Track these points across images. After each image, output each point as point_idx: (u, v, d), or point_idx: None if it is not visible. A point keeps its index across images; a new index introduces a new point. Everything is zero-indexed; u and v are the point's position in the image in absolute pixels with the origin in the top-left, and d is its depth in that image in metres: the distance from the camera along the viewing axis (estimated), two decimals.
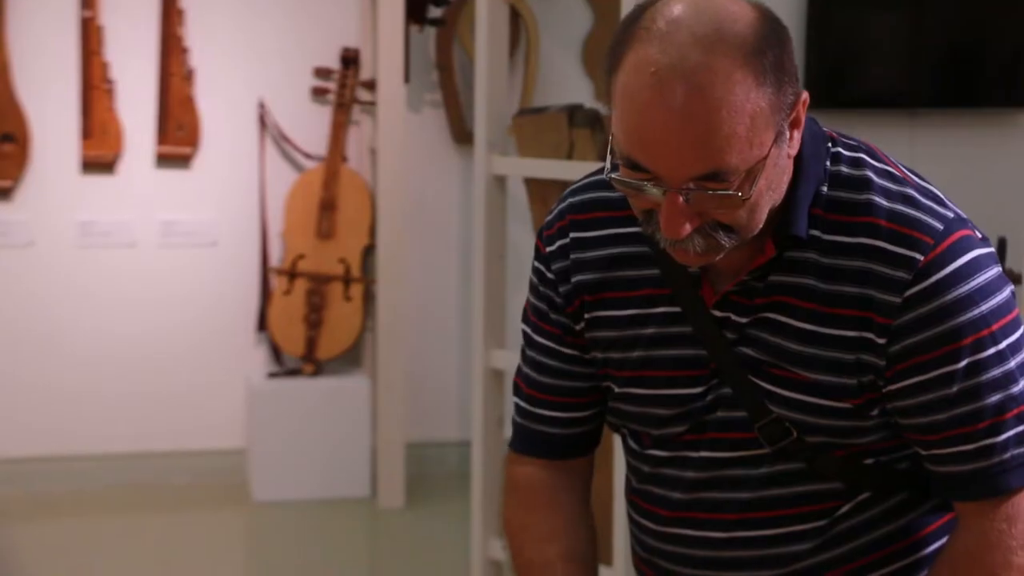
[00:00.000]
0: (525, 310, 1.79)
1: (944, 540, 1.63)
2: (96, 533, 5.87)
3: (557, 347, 1.74)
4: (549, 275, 1.72)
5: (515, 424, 1.80)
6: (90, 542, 5.77)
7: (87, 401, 6.32)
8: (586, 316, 1.70)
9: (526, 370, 1.78)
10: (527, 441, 1.78)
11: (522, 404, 1.79)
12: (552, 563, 1.73)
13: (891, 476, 1.62)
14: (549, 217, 1.75)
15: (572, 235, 1.71)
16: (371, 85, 5.93)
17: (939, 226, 1.55)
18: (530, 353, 1.77)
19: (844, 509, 1.61)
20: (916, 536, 1.65)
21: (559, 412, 1.76)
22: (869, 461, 1.61)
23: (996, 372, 1.54)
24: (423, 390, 6.45)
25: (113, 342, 6.27)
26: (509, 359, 5.01)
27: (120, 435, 6.36)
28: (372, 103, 5.94)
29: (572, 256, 1.70)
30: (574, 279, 1.70)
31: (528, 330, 1.78)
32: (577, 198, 1.72)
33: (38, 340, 6.23)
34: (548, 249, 1.73)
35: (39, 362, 6.24)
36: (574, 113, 4.51)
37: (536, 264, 1.76)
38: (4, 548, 5.67)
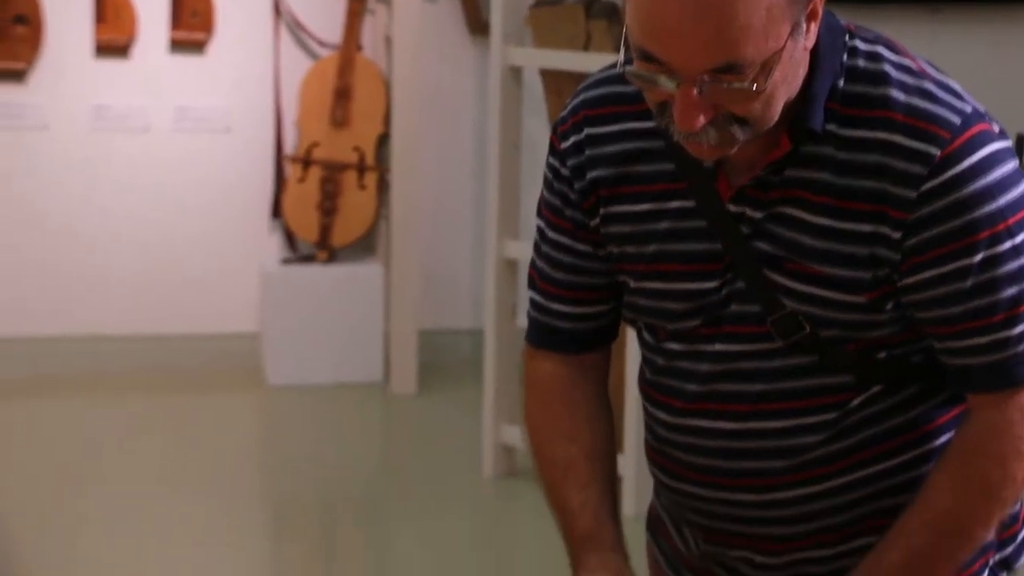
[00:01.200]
0: (539, 205, 1.79)
1: (954, 432, 1.65)
2: (108, 415, 5.93)
3: (571, 243, 1.74)
4: (564, 171, 1.72)
5: (531, 318, 1.81)
6: (102, 424, 5.84)
7: (100, 283, 6.35)
8: (601, 212, 1.70)
9: (540, 265, 1.78)
10: (543, 335, 1.79)
11: (537, 298, 1.79)
12: (575, 461, 1.75)
13: (903, 369, 1.64)
14: (563, 113, 1.74)
15: (587, 131, 1.70)
16: None
17: (956, 120, 1.54)
18: (544, 248, 1.78)
19: (856, 401, 1.63)
20: (927, 428, 1.67)
21: (574, 307, 1.76)
22: (882, 355, 1.62)
23: (1012, 266, 1.55)
24: (436, 278, 6.47)
25: (127, 225, 6.28)
26: (523, 249, 5.02)
27: (134, 318, 6.40)
28: None
29: (587, 152, 1.70)
30: (589, 175, 1.70)
31: (542, 225, 1.78)
32: (591, 93, 1.71)
33: (52, 222, 6.25)
34: (562, 145, 1.72)
35: (53, 244, 6.26)
36: (591, 4, 4.47)
37: (550, 160, 1.75)
38: (15, 427, 5.74)
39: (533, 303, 1.80)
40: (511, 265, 5.18)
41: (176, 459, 5.43)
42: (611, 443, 1.79)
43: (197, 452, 5.50)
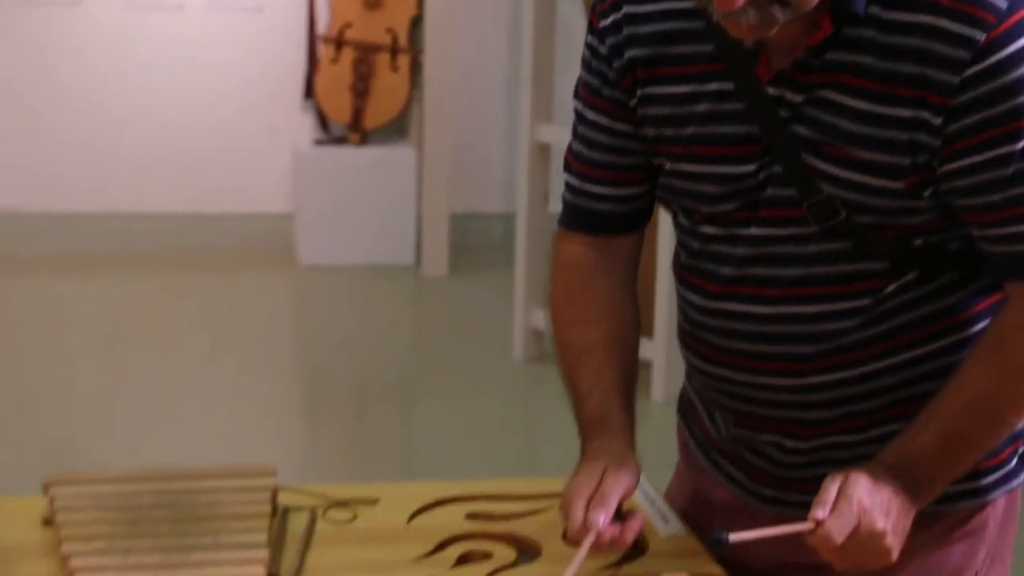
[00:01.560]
0: (576, 87, 1.78)
1: (991, 319, 1.64)
2: (141, 292, 5.98)
3: (609, 123, 1.73)
4: (602, 50, 1.71)
5: (565, 201, 1.81)
6: (135, 301, 5.88)
7: (133, 161, 6.36)
8: (639, 92, 1.69)
9: (577, 147, 1.78)
10: (576, 217, 1.79)
11: (572, 181, 1.79)
12: (593, 347, 1.75)
13: (940, 256, 1.63)
14: None
15: (625, 9, 1.69)
16: None
17: (1002, 4, 1.52)
18: (581, 130, 1.77)
19: (890, 288, 1.63)
20: (962, 316, 1.66)
21: (609, 189, 1.76)
22: (918, 241, 1.61)
23: None
24: (469, 162, 6.45)
25: (160, 104, 6.28)
26: (556, 133, 5.00)
27: (167, 196, 6.42)
28: None
29: (625, 30, 1.69)
30: (627, 54, 1.69)
31: (579, 106, 1.77)
32: None
33: (85, 100, 6.25)
34: (602, 24, 1.71)
35: (86, 121, 6.27)
36: None
37: (589, 39, 1.74)
38: (49, 302, 5.79)
39: (568, 186, 1.80)
40: (544, 149, 5.16)
41: (209, 337, 5.47)
42: (633, 332, 1.79)
43: (230, 330, 5.55)
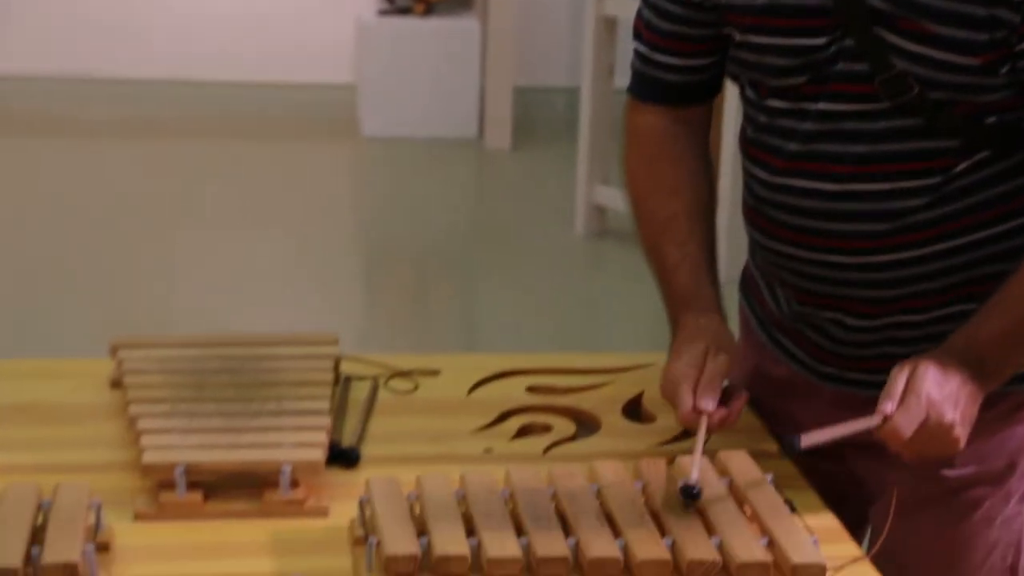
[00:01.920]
0: None
1: None
2: (204, 159, 6.00)
3: None
4: None
5: (634, 70, 1.79)
6: (198, 167, 5.91)
7: (198, 28, 6.35)
8: None
9: (647, 14, 1.75)
10: (647, 87, 1.78)
11: (642, 50, 1.77)
12: (676, 217, 1.75)
13: (1012, 135, 1.60)
14: None
15: None
16: None
17: None
18: None
19: (961, 167, 1.60)
20: None
21: (678, 59, 1.74)
22: (991, 119, 1.58)
23: None
24: (533, 34, 6.39)
25: None
26: (622, 6, 4.93)
27: (231, 64, 6.41)
28: None
29: None
30: None
31: None
32: None
33: None
34: None
35: None
36: None
37: None
38: (112, 166, 5.83)
39: (638, 54, 1.78)
40: (610, 22, 5.10)
41: (270, 204, 5.50)
42: (712, 200, 1.79)
43: (292, 200, 5.57)
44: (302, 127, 6.35)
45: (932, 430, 1.52)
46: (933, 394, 1.51)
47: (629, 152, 1.81)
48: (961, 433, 1.54)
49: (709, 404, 1.60)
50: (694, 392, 1.61)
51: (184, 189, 5.62)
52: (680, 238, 1.74)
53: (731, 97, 4.36)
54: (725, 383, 1.65)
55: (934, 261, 1.63)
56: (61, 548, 1.36)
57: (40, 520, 1.43)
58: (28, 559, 1.35)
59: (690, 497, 1.47)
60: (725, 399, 1.64)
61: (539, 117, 6.43)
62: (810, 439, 1.52)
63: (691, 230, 1.74)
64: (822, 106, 1.62)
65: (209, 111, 6.40)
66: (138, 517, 1.53)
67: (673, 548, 1.42)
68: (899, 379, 1.53)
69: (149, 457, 1.55)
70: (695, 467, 1.51)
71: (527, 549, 1.40)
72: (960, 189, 1.61)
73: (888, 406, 1.51)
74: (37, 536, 1.40)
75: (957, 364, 1.55)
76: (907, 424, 1.50)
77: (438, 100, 6.16)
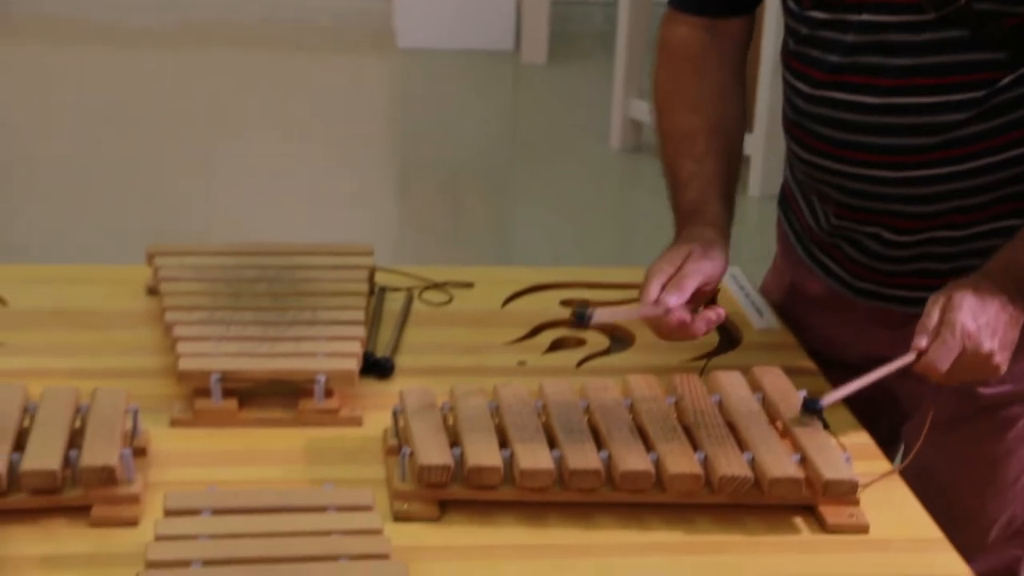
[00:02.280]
0: None
1: None
2: (239, 67, 5.98)
3: None
4: None
5: None
6: (232, 76, 5.89)
7: None
8: None
9: None
10: None
11: None
12: (695, 133, 1.72)
13: None
14: None
15: None
16: None
17: None
18: None
19: (1006, 80, 1.57)
20: None
21: None
22: None
23: None
24: None
25: None
26: None
27: None
28: None
29: None
30: None
31: None
32: None
33: None
34: None
35: None
36: None
37: None
38: (149, 74, 5.82)
39: None
40: None
41: (305, 115, 5.49)
42: (739, 121, 1.75)
43: (326, 110, 5.55)
44: (339, 38, 6.32)
45: (969, 361, 1.48)
46: (969, 326, 1.47)
47: (659, 65, 1.79)
48: (1001, 360, 1.50)
49: (672, 299, 1.53)
50: (662, 287, 1.55)
51: (218, 98, 5.61)
52: (697, 154, 1.70)
53: (771, 13, 4.30)
54: (721, 297, 1.61)
55: (977, 176, 1.61)
56: (99, 451, 1.37)
57: (78, 424, 1.44)
58: (66, 462, 1.37)
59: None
60: (699, 305, 1.57)
61: (576, 30, 6.38)
62: (831, 397, 1.49)
63: (708, 146, 1.71)
64: (865, 17, 1.59)
65: (247, 20, 6.38)
66: (174, 423, 1.54)
67: (705, 463, 1.42)
68: (934, 311, 1.49)
69: (185, 364, 1.56)
70: (610, 314, 1.53)
71: (559, 461, 1.40)
72: (1005, 103, 1.58)
73: (923, 341, 1.48)
74: (75, 439, 1.41)
75: (995, 288, 1.51)
76: (942, 359, 1.47)
77: (474, 12, 6.11)
